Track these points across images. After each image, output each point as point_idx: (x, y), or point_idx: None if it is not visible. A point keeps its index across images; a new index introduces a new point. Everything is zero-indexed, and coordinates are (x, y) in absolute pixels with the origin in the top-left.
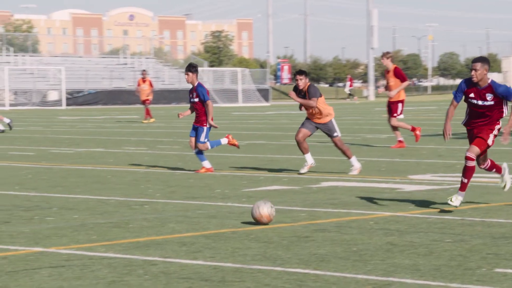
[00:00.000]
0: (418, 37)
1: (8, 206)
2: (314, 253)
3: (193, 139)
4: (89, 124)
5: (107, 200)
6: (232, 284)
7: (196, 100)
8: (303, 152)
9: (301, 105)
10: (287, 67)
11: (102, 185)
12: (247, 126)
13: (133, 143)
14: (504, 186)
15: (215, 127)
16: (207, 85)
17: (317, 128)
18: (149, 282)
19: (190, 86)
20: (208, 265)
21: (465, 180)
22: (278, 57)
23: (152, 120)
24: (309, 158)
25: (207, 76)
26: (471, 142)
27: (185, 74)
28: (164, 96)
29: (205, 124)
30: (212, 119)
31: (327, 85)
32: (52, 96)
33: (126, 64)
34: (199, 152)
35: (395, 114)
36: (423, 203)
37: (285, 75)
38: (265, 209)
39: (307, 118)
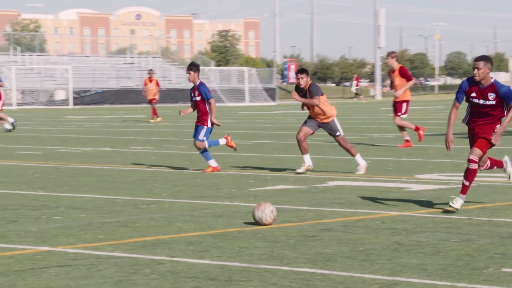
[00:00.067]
0: (425, 37)
1: (16, 205)
2: (320, 252)
3: None
4: (96, 123)
5: (114, 200)
6: (239, 283)
7: (198, 98)
8: (302, 152)
9: (303, 105)
10: (294, 66)
11: (109, 184)
12: (253, 126)
13: (140, 142)
14: (509, 177)
15: (218, 125)
16: (213, 84)
17: (319, 126)
18: (156, 282)
19: None
20: (215, 264)
21: (467, 183)
22: (285, 57)
23: (159, 119)
24: (307, 159)
25: (213, 75)
26: (472, 143)
27: (187, 73)
28: (171, 95)
29: (206, 124)
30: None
31: (333, 85)
32: (59, 95)
33: (133, 63)
34: (204, 151)
35: (399, 113)
36: (430, 203)
37: (292, 75)
38: (268, 218)
39: (310, 117)
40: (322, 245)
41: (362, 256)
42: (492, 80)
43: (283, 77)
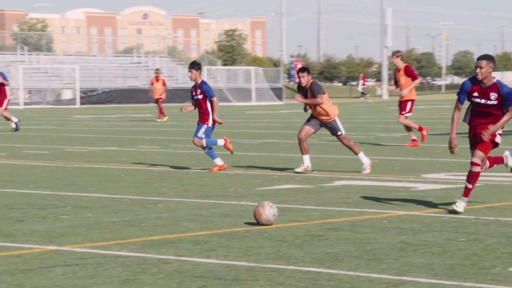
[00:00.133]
0: (432, 36)
1: (23, 204)
2: (327, 252)
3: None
4: (103, 122)
5: (121, 199)
6: (246, 282)
7: (200, 97)
8: (302, 152)
9: (305, 106)
10: (301, 65)
11: (116, 184)
12: (260, 125)
13: (146, 141)
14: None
15: (220, 123)
16: (220, 84)
17: (321, 125)
18: (162, 281)
19: None
20: (222, 264)
21: (470, 186)
22: (292, 56)
23: (165, 118)
24: (306, 160)
25: (220, 75)
26: (472, 143)
27: (189, 71)
28: (178, 95)
29: (207, 122)
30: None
31: (340, 84)
32: (66, 94)
33: (139, 63)
34: (209, 150)
35: (403, 112)
36: (437, 202)
37: None
38: (272, 220)
39: (313, 116)
40: (329, 244)
41: (369, 255)
42: (495, 80)
43: (290, 76)
